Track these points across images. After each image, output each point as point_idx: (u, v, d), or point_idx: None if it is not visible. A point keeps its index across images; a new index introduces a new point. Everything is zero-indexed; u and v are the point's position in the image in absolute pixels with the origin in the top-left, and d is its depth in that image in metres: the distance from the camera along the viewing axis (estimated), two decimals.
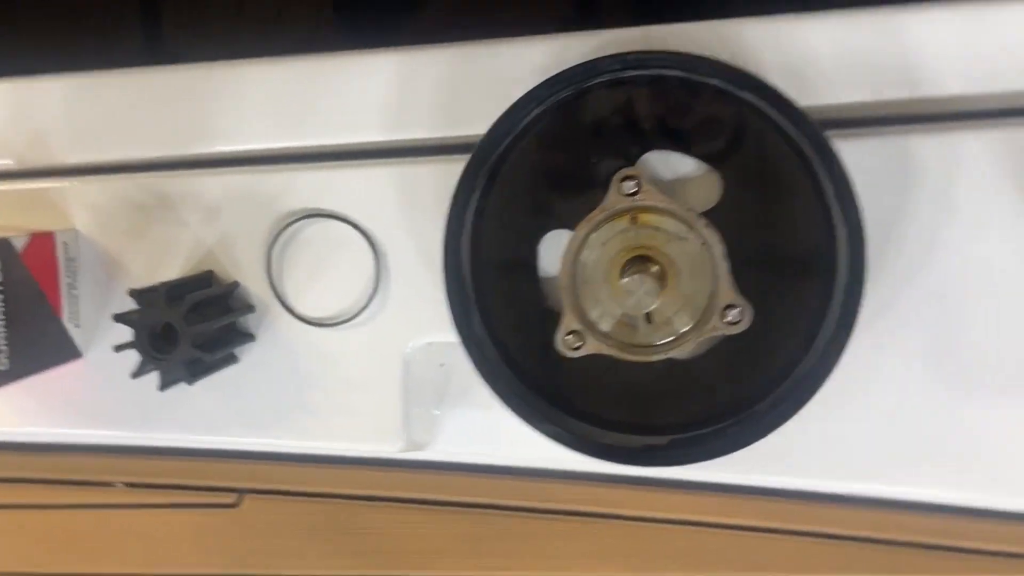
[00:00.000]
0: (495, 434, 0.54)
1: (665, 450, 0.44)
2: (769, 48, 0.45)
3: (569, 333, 0.37)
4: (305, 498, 0.60)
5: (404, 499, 0.58)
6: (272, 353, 0.50)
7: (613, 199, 0.36)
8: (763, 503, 0.53)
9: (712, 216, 0.43)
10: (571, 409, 0.45)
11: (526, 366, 0.45)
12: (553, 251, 0.45)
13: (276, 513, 0.60)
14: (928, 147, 0.43)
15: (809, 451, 0.47)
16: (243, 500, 0.61)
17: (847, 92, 0.44)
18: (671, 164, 0.45)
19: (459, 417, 0.54)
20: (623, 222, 0.37)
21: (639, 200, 0.36)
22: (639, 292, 0.34)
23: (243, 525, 0.61)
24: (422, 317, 0.49)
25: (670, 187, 0.45)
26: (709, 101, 0.42)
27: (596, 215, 0.36)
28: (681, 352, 0.37)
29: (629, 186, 0.36)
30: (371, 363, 0.49)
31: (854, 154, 0.43)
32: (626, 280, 0.35)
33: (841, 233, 0.41)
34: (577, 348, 0.37)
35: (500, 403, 0.44)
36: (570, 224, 0.44)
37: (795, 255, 0.42)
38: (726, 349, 0.44)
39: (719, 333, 0.36)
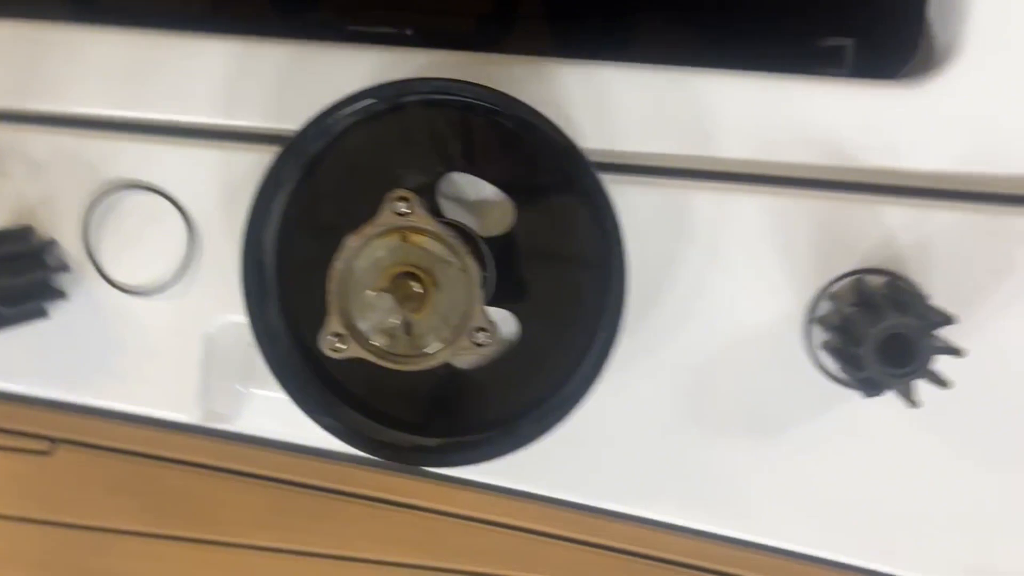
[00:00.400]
0: (301, 415, 0.57)
1: (433, 452, 0.47)
2: (579, 91, 0.48)
3: (332, 335, 0.40)
4: (118, 454, 0.61)
5: (210, 465, 0.60)
6: (82, 313, 0.52)
7: (385, 217, 0.39)
8: (542, 508, 0.57)
9: (503, 240, 0.46)
10: (357, 403, 0.48)
11: (322, 359, 0.47)
12: None
13: (87, 465, 0.62)
14: (705, 203, 0.47)
15: (571, 466, 0.51)
16: (57, 449, 0.62)
17: (640, 141, 0.47)
18: (476, 186, 0.48)
19: (268, 396, 0.56)
20: (395, 239, 0.39)
21: (409, 221, 0.39)
22: (381, 307, 0.37)
23: (55, 474, 0.62)
24: (229, 297, 0.50)
25: (471, 207, 0.48)
26: (507, 134, 0.45)
27: (368, 229, 0.39)
28: (434, 366, 0.40)
29: (400, 207, 0.39)
30: (176, 335, 0.51)
31: (637, 200, 0.46)
32: (371, 294, 0.38)
33: (609, 269, 0.44)
34: (339, 350, 0.40)
35: (281, 390, 0.46)
36: None
37: (572, 285, 0.45)
38: (505, 364, 0.47)
39: (468, 352, 0.39)
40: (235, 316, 0.51)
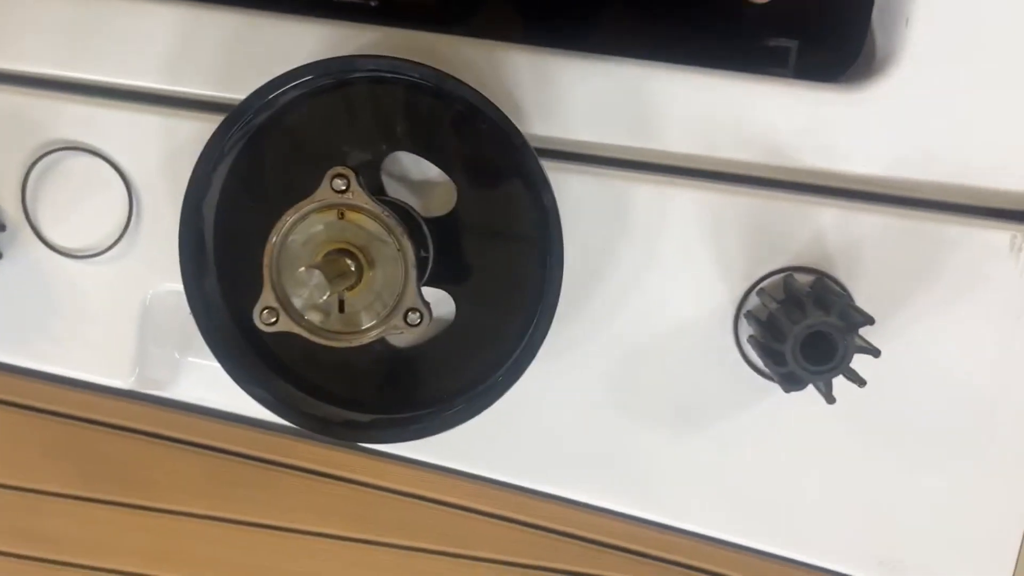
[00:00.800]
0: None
1: (364, 427, 0.47)
2: (528, 76, 0.48)
3: (265, 309, 0.40)
4: (53, 417, 0.61)
5: (147, 432, 0.60)
6: (17, 273, 0.51)
7: (323, 192, 0.39)
8: (476, 486, 0.58)
9: (446, 219, 0.46)
10: (292, 376, 0.48)
11: (257, 331, 0.47)
12: None
13: (20, 426, 0.61)
14: (644, 194, 0.47)
15: (501, 446, 0.51)
16: None
17: (585, 130, 0.48)
18: (420, 166, 0.48)
19: (207, 364, 0.56)
20: (331, 215, 0.39)
21: (347, 198, 0.39)
22: (310, 284, 0.37)
23: None
24: (169, 264, 0.50)
25: (415, 187, 0.49)
26: (451, 115, 0.45)
27: (305, 204, 0.39)
28: (364, 343, 0.40)
29: (339, 184, 0.39)
30: (113, 300, 0.51)
31: (578, 188, 0.47)
32: (301, 271, 0.38)
33: (546, 254, 0.45)
34: (271, 324, 0.40)
35: (216, 360, 0.46)
36: None
37: (509, 269, 0.46)
38: (440, 344, 0.48)
39: (400, 331, 0.39)
40: (174, 284, 0.51)
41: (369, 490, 0.61)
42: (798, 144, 0.47)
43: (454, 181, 0.46)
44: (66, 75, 0.50)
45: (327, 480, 0.61)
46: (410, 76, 0.44)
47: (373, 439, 0.48)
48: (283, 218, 0.40)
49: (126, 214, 0.50)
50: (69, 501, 0.63)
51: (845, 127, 0.47)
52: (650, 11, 0.56)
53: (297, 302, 0.40)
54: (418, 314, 0.40)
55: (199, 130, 0.49)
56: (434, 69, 0.43)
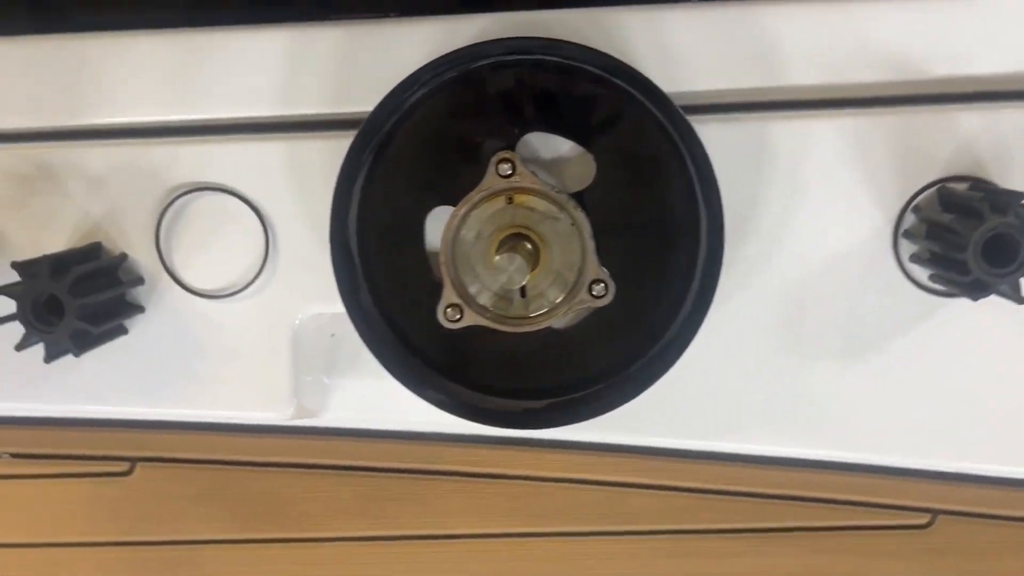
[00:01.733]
0: (383, 401, 0.56)
1: (542, 413, 0.47)
2: (641, 36, 0.47)
3: (449, 306, 0.39)
4: (197, 464, 0.61)
5: (294, 464, 0.60)
6: (162, 324, 0.51)
7: (490, 180, 0.39)
8: (632, 460, 0.58)
9: (586, 195, 0.46)
10: (455, 376, 0.48)
11: (413, 336, 0.47)
12: (439, 226, 0.47)
13: (168, 480, 0.61)
14: (782, 133, 0.47)
15: (674, 412, 0.51)
16: (135, 468, 0.61)
17: (710, 79, 0.47)
18: (550, 145, 0.47)
19: (349, 385, 0.56)
20: (500, 202, 0.39)
21: (514, 182, 0.38)
22: (510, 269, 0.37)
23: (135, 493, 0.62)
24: (311, 288, 0.50)
25: (548, 166, 0.48)
26: (584, 87, 0.44)
27: (474, 195, 0.39)
28: (556, 322, 0.40)
29: (505, 168, 0.38)
30: (261, 334, 0.51)
31: (714, 138, 0.46)
32: (498, 258, 0.38)
33: (703, 211, 0.44)
34: (456, 320, 0.40)
35: (387, 372, 0.46)
36: (454, 200, 0.46)
37: (662, 231, 0.45)
38: (599, 318, 0.47)
39: (586, 306, 0.39)
40: (315, 307, 0.51)
41: (524, 483, 0.60)
42: (926, 55, 0.46)
43: (592, 152, 0.46)
44: (179, 118, 0.50)
45: (480, 480, 0.60)
46: (540, 54, 0.44)
47: (554, 422, 0.47)
48: (454, 213, 0.39)
49: (263, 245, 0.49)
50: (227, 546, 0.63)
51: (971, 30, 0.46)
52: None
53: (476, 294, 0.40)
54: (603, 285, 0.39)
55: (320, 149, 0.49)
56: (565, 41, 0.43)
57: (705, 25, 0.47)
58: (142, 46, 0.49)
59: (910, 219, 0.47)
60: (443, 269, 0.39)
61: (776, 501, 0.57)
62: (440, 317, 0.40)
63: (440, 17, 0.49)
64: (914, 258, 0.47)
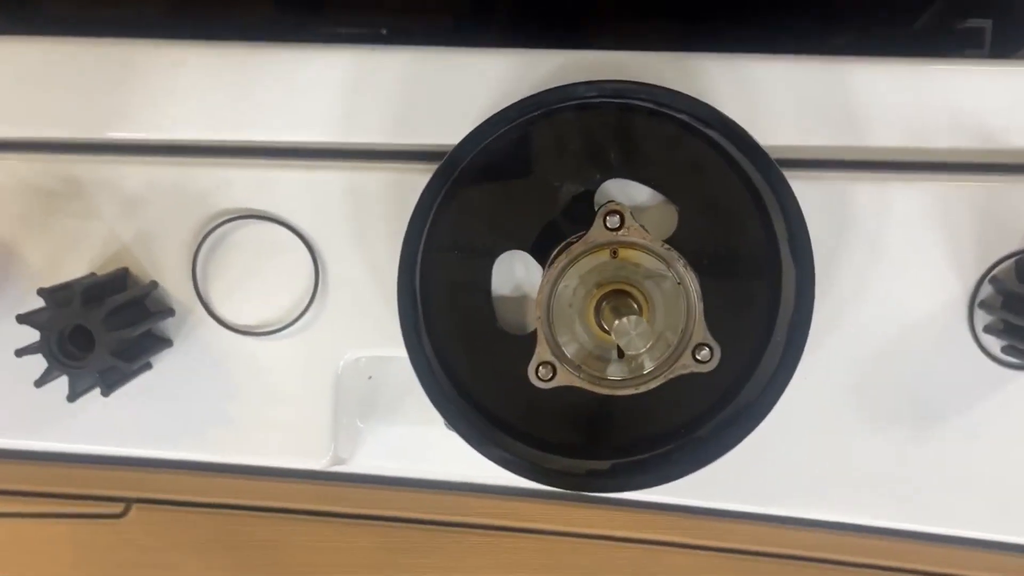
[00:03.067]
0: (415, 449, 0.53)
1: (607, 475, 0.44)
2: (726, 84, 0.46)
3: (541, 364, 0.37)
4: (199, 508, 0.56)
5: (308, 511, 0.56)
6: (190, 360, 0.47)
7: (596, 232, 0.36)
8: (665, 518, 0.55)
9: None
10: (514, 431, 0.45)
11: (470, 387, 0.44)
12: (504, 270, 0.44)
13: (166, 524, 0.56)
14: (864, 193, 0.46)
15: (730, 474, 0.49)
16: (131, 510, 0.56)
17: (794, 134, 0.46)
18: (629, 192, 0.45)
19: (381, 431, 0.52)
20: (603, 255, 0.37)
21: (622, 235, 0.36)
22: (632, 333, 0.34)
23: (129, 537, 0.57)
24: (359, 331, 0.47)
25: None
26: (673, 134, 0.42)
27: (577, 248, 0.36)
28: (646, 388, 0.37)
29: (614, 221, 0.36)
30: (301, 376, 0.47)
31: (797, 193, 0.45)
32: (619, 323, 0.35)
33: (788, 268, 0.42)
34: (549, 380, 0.37)
35: (448, 427, 0.43)
36: (526, 245, 0.43)
37: (742, 288, 0.43)
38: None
39: (687, 371, 0.37)
40: (361, 350, 0.47)
41: (554, 538, 0.57)
42: (1007, 124, 0.46)
43: (675, 203, 0.44)
44: (229, 139, 0.46)
45: (509, 534, 0.57)
46: (630, 98, 0.42)
47: (622, 486, 0.45)
48: (554, 264, 0.37)
49: (311, 280, 0.46)
50: None
51: None
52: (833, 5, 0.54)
53: (571, 352, 0.37)
54: (707, 350, 0.37)
55: (380, 181, 0.46)
56: (659, 87, 0.41)
57: (792, 78, 0.46)
58: (194, 58, 0.45)
59: (987, 289, 0.46)
60: (538, 324, 0.36)
61: (816, 564, 0.56)
62: (532, 376, 0.37)
63: (514, 50, 0.46)
64: (988, 329, 0.46)
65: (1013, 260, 0.46)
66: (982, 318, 0.46)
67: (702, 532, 0.56)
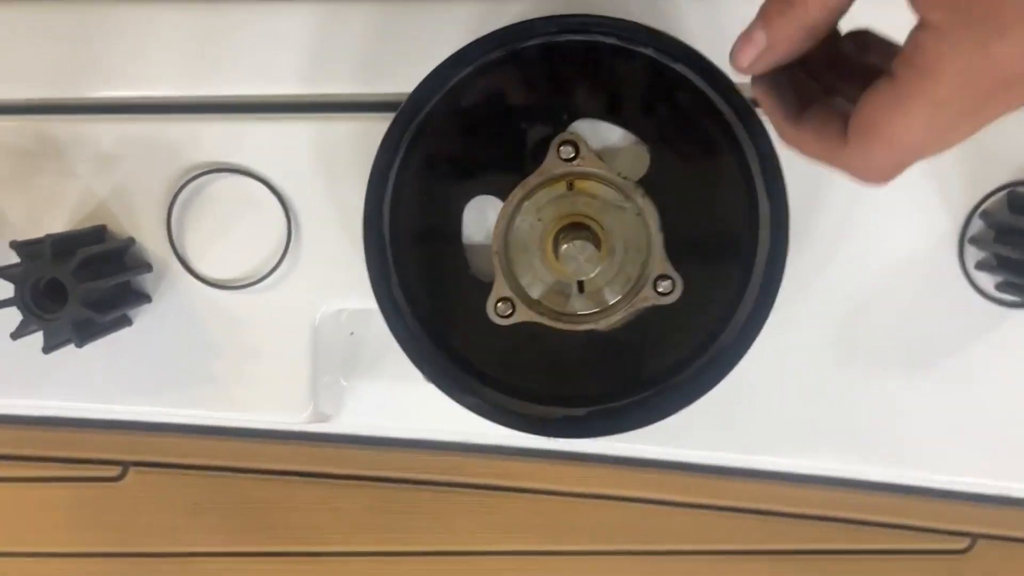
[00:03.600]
0: (402, 407, 0.53)
1: (583, 421, 0.44)
2: (696, 19, 0.45)
3: (500, 300, 0.36)
4: (195, 471, 0.57)
5: (300, 472, 0.56)
6: (169, 316, 0.47)
7: (551, 164, 0.35)
8: (660, 476, 0.54)
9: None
10: (490, 379, 0.44)
11: (444, 335, 0.44)
12: (475, 217, 0.44)
13: (162, 487, 0.57)
14: None
15: (714, 424, 0.48)
16: (127, 473, 0.57)
17: None
18: (599, 133, 0.44)
19: (366, 388, 0.52)
20: (559, 188, 0.36)
21: (577, 166, 0.35)
22: (580, 258, 0.34)
23: (126, 500, 0.58)
24: (335, 282, 0.47)
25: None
26: (642, 71, 0.41)
27: (532, 180, 0.36)
28: (612, 322, 0.37)
29: (567, 151, 0.35)
30: (278, 329, 0.47)
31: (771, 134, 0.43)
32: (566, 246, 0.34)
33: (764, 211, 0.41)
34: (508, 316, 0.36)
35: (421, 375, 0.42)
36: (495, 190, 0.42)
37: (718, 231, 0.42)
38: (646, 320, 0.44)
39: (649, 304, 0.36)
40: (338, 302, 0.47)
41: (549, 497, 0.57)
42: None
43: (646, 143, 0.43)
44: (198, 94, 0.46)
45: (502, 493, 0.57)
46: (595, 33, 0.41)
47: (597, 431, 0.44)
48: (508, 199, 0.36)
49: (284, 233, 0.46)
50: (223, 559, 0.59)
51: None
52: None
53: (530, 287, 0.37)
54: (669, 281, 0.36)
55: (350, 131, 0.46)
56: (625, 20, 0.40)
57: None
58: (162, 15, 0.45)
59: (977, 224, 0.44)
60: (495, 260, 0.36)
61: (811, 522, 0.54)
62: (490, 312, 0.36)
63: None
64: (981, 265, 0.44)
65: (1005, 192, 0.44)
66: (973, 255, 0.44)
67: (696, 490, 0.55)
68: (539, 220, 0.36)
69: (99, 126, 0.46)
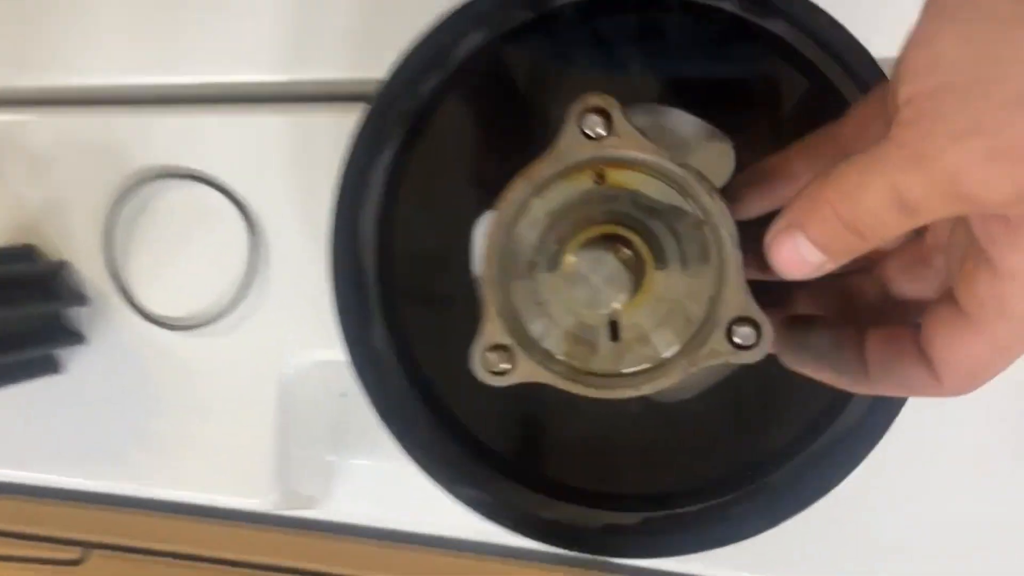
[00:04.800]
0: (411, 491, 0.41)
1: (634, 534, 0.31)
2: None
3: (491, 349, 0.24)
4: (161, 558, 0.47)
5: (281, 567, 0.45)
6: (108, 361, 0.38)
7: (570, 143, 0.23)
8: None
9: None
10: (507, 466, 0.32)
11: (448, 400, 0.32)
12: None
13: (127, 575, 0.47)
14: None
15: (826, 548, 0.34)
16: (90, 556, 0.48)
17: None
18: (661, 125, 0.33)
19: (364, 466, 0.41)
20: (583, 181, 0.23)
21: (609, 147, 0.23)
22: (594, 278, 0.21)
23: None
24: (311, 323, 0.36)
25: None
26: (728, 35, 0.29)
27: (541, 168, 0.23)
28: (663, 388, 0.23)
29: (594, 123, 0.23)
30: (239, 383, 0.37)
31: None
32: (575, 260, 0.22)
33: None
34: (503, 372, 0.24)
35: (401, 452, 0.31)
36: None
37: None
38: (729, 389, 0.32)
39: (720, 361, 0.23)
40: (316, 350, 0.36)
41: None
42: None
43: (730, 138, 0.31)
44: (149, 82, 0.38)
45: None
46: None
47: (656, 551, 0.31)
48: (508, 197, 0.24)
49: (247, 257, 0.36)
50: None
51: None
52: None
53: (538, 332, 0.24)
54: (750, 328, 0.23)
55: (333, 127, 0.36)
56: None
57: None
58: None
59: None
60: (485, 289, 0.24)
61: None
62: (476, 365, 0.24)
63: None
64: None
65: None
66: None
67: None
68: (552, 229, 0.23)
69: (34, 121, 0.38)
